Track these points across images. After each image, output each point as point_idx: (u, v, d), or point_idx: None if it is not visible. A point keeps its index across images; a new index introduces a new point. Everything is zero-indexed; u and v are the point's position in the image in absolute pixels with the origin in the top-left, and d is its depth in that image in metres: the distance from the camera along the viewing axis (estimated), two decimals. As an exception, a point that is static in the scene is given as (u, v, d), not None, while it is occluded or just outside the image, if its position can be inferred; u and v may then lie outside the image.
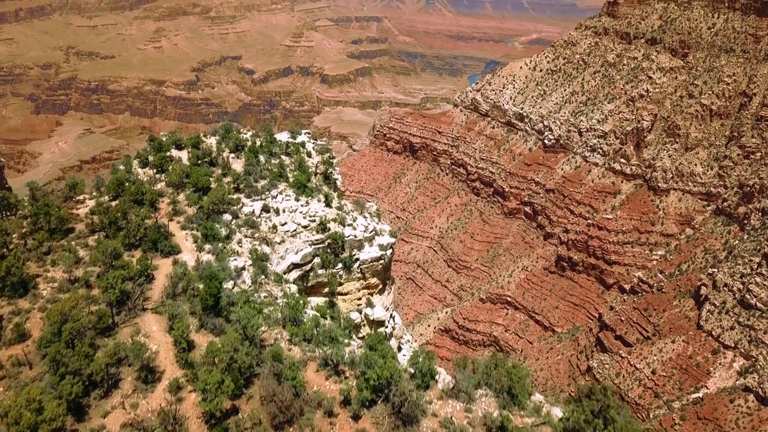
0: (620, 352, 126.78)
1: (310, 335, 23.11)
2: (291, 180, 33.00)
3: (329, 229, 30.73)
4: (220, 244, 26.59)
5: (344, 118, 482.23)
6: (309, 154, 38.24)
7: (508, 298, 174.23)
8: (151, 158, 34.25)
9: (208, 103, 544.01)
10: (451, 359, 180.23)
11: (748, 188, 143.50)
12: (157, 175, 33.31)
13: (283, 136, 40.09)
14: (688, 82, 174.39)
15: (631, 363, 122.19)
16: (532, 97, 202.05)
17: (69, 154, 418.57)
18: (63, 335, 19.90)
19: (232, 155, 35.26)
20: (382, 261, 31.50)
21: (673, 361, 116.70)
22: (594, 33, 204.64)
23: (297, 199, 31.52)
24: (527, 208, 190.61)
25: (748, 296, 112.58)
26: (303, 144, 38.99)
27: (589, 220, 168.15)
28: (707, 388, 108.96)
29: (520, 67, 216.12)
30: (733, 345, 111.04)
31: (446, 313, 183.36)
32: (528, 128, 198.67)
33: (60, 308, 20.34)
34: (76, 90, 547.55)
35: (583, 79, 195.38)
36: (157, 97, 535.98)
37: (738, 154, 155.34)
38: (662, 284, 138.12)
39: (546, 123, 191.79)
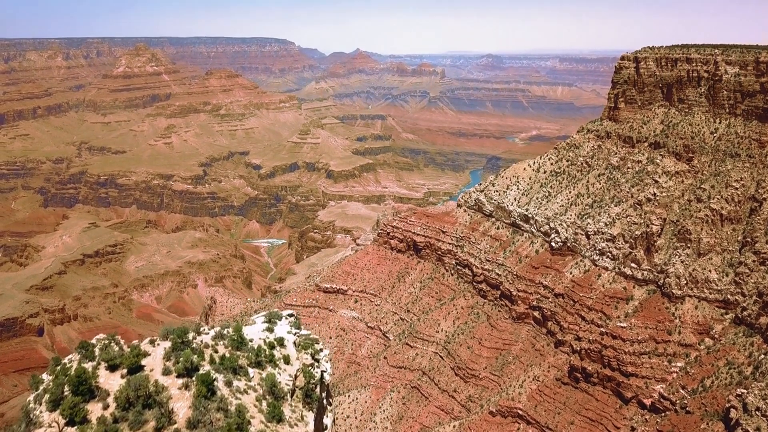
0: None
1: None
2: None
3: None
4: None
5: (349, 213, 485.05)
6: (287, 360, 28.53)
7: (520, 411, 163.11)
8: (67, 392, 23.28)
9: (214, 197, 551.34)
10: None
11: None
12: (67, 429, 22.32)
13: (256, 328, 30.62)
14: (695, 186, 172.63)
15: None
16: (537, 198, 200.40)
17: (72, 248, 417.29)
18: None
19: (180, 382, 25.32)
20: None
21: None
22: (596, 136, 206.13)
23: None
24: (536, 313, 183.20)
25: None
26: (281, 341, 29.69)
27: (602, 328, 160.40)
28: None
29: (524, 169, 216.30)
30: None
31: (454, 426, 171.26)
32: (534, 230, 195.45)
33: None
34: (86, 184, 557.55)
35: (587, 181, 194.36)
36: (164, 191, 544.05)
37: (753, 261, 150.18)
38: (686, 402, 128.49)
39: (552, 225, 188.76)
